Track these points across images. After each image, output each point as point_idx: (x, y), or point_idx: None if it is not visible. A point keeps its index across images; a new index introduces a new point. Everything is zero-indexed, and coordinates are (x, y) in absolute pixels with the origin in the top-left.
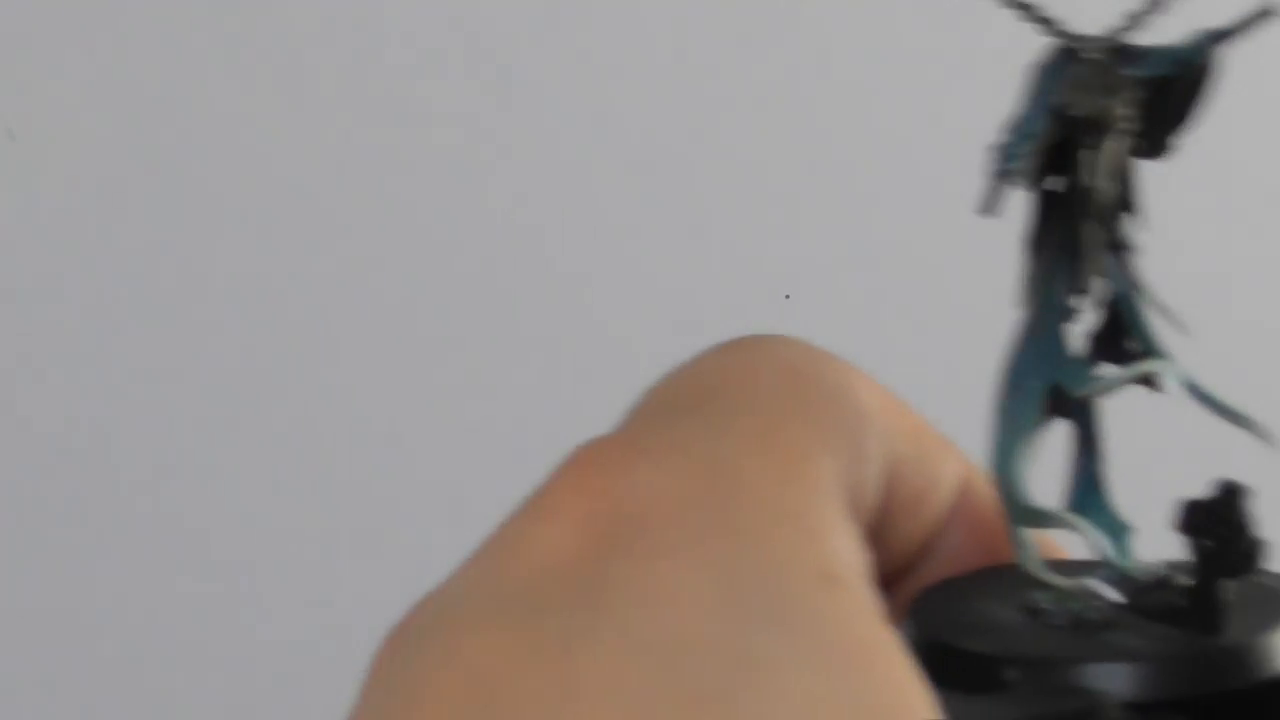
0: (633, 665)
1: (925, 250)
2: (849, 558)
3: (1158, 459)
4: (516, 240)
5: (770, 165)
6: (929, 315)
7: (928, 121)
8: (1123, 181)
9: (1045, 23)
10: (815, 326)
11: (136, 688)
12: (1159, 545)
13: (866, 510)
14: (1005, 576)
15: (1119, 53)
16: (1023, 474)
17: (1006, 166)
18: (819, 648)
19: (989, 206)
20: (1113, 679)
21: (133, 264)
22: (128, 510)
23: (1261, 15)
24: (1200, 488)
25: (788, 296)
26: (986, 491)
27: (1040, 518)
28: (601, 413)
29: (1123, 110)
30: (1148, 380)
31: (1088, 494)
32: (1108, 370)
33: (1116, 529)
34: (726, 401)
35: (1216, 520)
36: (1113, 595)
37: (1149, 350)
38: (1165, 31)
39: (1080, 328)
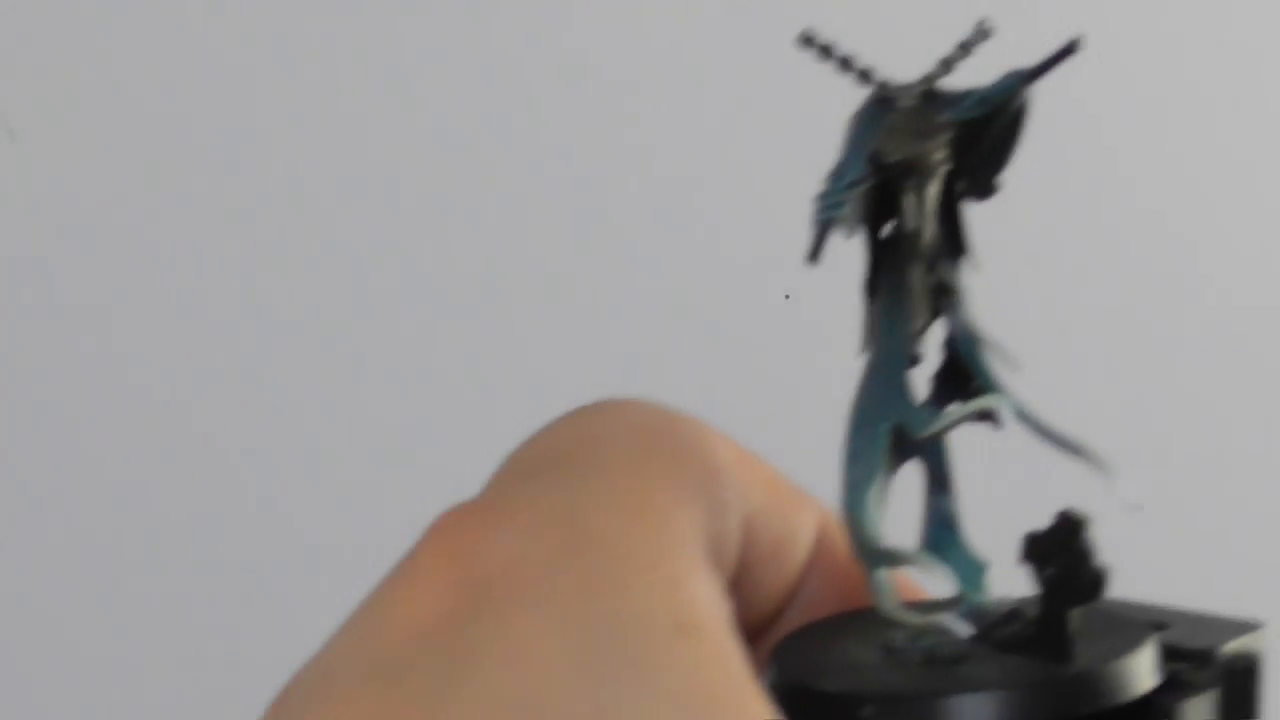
0: None
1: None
2: (708, 606)
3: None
4: (519, 243)
5: (771, 165)
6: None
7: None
8: (949, 224)
9: (861, 74)
10: (815, 327)
11: (136, 686)
12: (1017, 579)
13: (727, 562)
14: (863, 619)
15: (932, 98)
16: (873, 516)
17: (829, 215)
18: (674, 697)
19: (813, 254)
20: (963, 711)
21: (133, 264)
22: (127, 510)
23: (1066, 52)
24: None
25: (787, 296)
26: (844, 538)
27: (892, 557)
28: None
29: (939, 154)
30: (986, 415)
31: (941, 532)
32: (950, 409)
33: (970, 565)
34: (583, 463)
35: (1059, 550)
36: (966, 630)
37: (985, 386)
38: (977, 74)
39: (924, 369)
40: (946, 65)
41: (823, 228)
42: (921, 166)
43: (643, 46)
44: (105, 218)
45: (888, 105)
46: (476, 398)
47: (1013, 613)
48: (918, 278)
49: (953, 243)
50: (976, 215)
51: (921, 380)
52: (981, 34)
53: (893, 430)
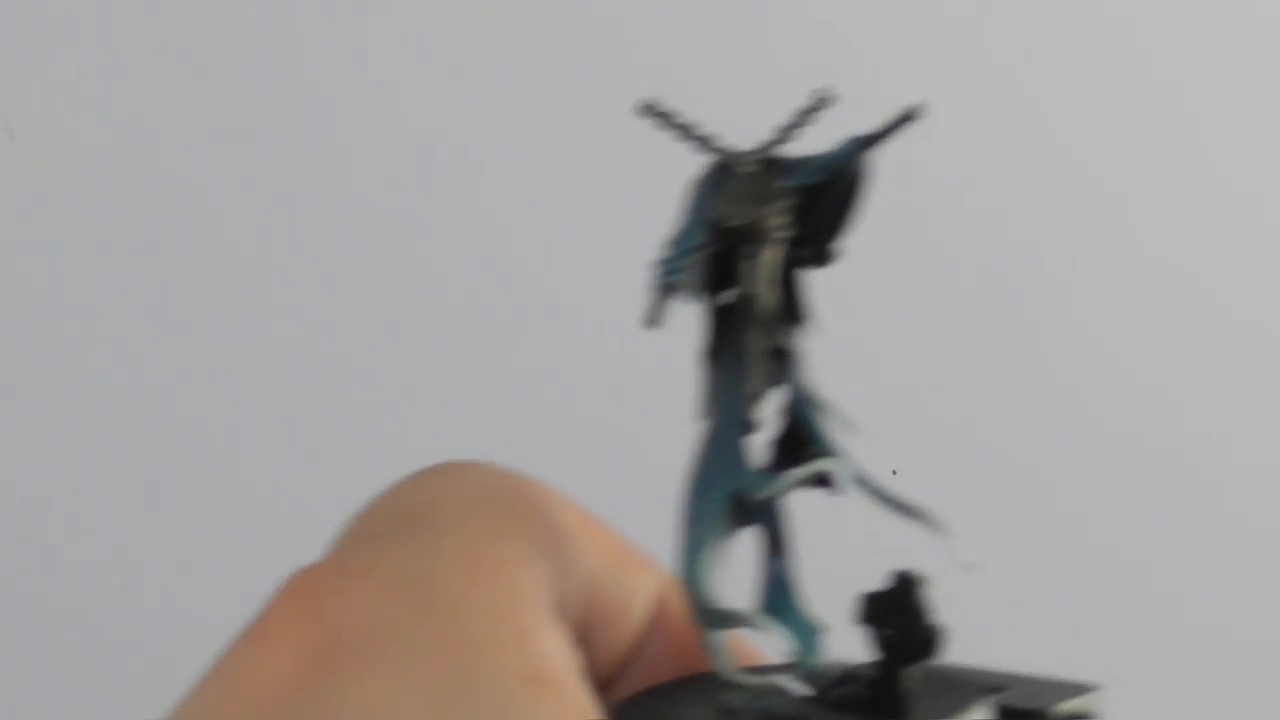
0: None
1: (925, 249)
2: (558, 658)
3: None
4: (518, 249)
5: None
6: (929, 315)
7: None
8: (788, 290)
9: (701, 140)
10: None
11: (136, 686)
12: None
13: (571, 622)
14: (702, 682)
15: (772, 164)
16: (710, 579)
17: (668, 280)
18: None
19: (652, 319)
20: None
21: (133, 264)
22: (127, 510)
23: (905, 119)
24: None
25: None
26: (684, 603)
27: (729, 619)
28: (601, 414)
29: (777, 220)
30: (823, 480)
31: (778, 595)
32: (787, 473)
33: (806, 628)
34: (430, 523)
35: (894, 610)
36: (801, 691)
37: (822, 450)
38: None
39: (762, 435)
40: (786, 132)
41: (663, 293)
42: (760, 232)
43: (638, 50)
44: (105, 218)
45: (728, 171)
46: (477, 409)
47: (849, 674)
48: (756, 343)
49: (793, 308)
50: (826, 279)
51: (761, 445)
52: (821, 102)
53: (731, 495)
